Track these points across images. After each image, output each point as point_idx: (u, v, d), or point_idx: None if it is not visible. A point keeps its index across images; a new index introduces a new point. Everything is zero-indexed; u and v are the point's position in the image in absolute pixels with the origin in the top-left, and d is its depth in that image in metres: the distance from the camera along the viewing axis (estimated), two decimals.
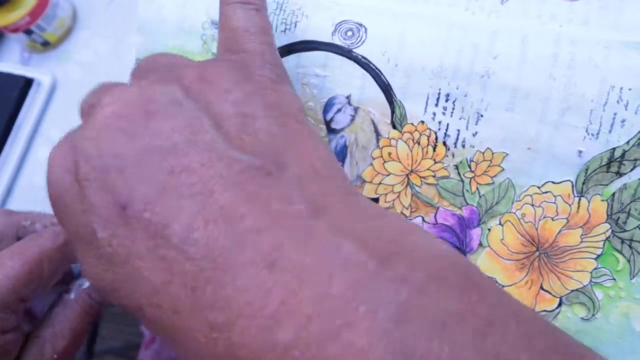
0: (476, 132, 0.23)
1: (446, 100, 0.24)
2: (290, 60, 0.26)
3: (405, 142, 0.24)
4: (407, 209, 0.25)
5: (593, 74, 0.22)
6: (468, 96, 0.23)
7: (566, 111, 0.22)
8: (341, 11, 0.25)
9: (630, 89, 0.22)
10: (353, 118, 0.25)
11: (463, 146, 0.24)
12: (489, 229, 0.23)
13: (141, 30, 0.29)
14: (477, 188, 0.24)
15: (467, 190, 0.24)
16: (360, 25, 0.25)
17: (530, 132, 0.23)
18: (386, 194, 0.25)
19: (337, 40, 0.25)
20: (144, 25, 0.29)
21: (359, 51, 0.25)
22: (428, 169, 0.24)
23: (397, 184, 0.25)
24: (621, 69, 0.22)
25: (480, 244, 0.24)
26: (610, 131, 0.22)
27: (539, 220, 0.23)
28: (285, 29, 0.26)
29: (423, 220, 0.24)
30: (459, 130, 0.24)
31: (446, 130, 0.24)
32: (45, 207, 0.35)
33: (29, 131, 0.37)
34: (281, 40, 0.26)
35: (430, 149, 0.24)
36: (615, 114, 0.22)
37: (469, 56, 0.23)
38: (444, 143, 0.24)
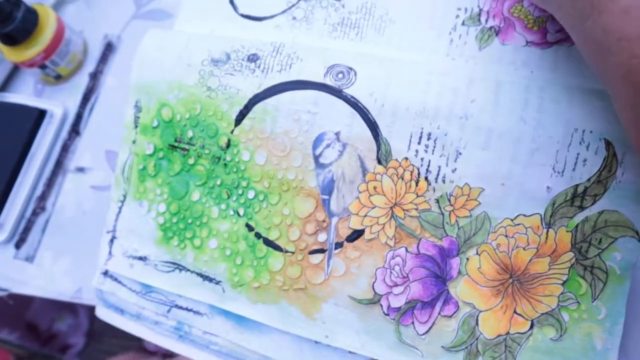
0: (455, 169, 0.25)
1: (428, 139, 0.26)
2: (284, 98, 0.27)
3: (390, 177, 0.26)
4: (391, 239, 0.26)
5: (559, 117, 0.24)
6: (448, 135, 0.25)
7: (535, 151, 0.24)
8: (332, 55, 0.27)
9: (591, 132, 0.24)
10: (341, 153, 0.27)
11: (443, 181, 0.26)
12: (467, 259, 0.25)
13: (140, 62, 0.30)
14: (456, 220, 0.26)
15: (447, 223, 0.26)
16: (350, 68, 0.27)
17: (503, 169, 0.25)
18: (371, 226, 0.27)
19: (329, 81, 0.27)
20: (144, 58, 0.30)
21: (349, 91, 0.26)
22: (411, 202, 0.26)
23: (381, 216, 0.26)
24: (584, 113, 0.24)
25: (460, 272, 0.26)
26: (574, 169, 0.24)
27: (512, 250, 0.25)
28: (281, 69, 0.27)
29: (406, 250, 0.26)
30: (439, 167, 0.26)
31: (428, 166, 0.26)
32: (55, 231, 0.35)
33: (42, 159, 0.38)
34: (276, 79, 0.28)
35: (413, 183, 0.26)
36: (578, 154, 0.24)
37: (449, 99, 0.25)
38: (426, 178, 0.26)
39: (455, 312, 0.25)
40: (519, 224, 0.25)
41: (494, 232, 0.25)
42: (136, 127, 0.31)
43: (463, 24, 0.27)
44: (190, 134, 0.30)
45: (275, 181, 0.28)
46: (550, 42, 0.26)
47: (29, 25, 0.36)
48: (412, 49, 0.27)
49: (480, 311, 0.25)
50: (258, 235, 0.28)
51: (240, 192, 0.29)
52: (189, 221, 0.30)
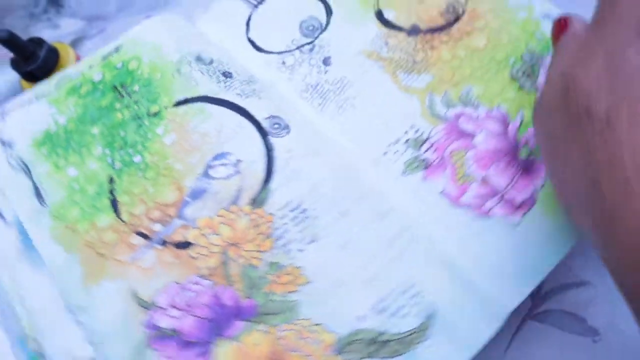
0: (302, 250, 0.26)
1: (300, 212, 0.26)
2: (224, 112, 0.30)
3: (250, 220, 0.27)
4: (207, 269, 0.26)
5: (407, 269, 0.25)
6: (318, 220, 0.26)
7: (373, 280, 0.25)
8: (283, 109, 0.30)
9: (423, 297, 0.24)
10: (228, 177, 0.28)
11: (286, 254, 0.26)
12: (252, 330, 0.24)
13: (146, 26, 0.33)
14: (270, 292, 0.25)
15: (261, 289, 0.25)
16: (288, 126, 0.29)
17: (340, 276, 0.25)
18: (202, 247, 0.26)
19: (265, 124, 0.30)
20: (152, 25, 0.33)
21: (273, 139, 0.29)
22: (247, 251, 0.26)
23: (216, 245, 0.26)
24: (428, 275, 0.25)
25: (235, 337, 0.24)
26: (391, 316, 0.24)
27: (293, 351, 0.24)
28: (240, 94, 0.30)
29: (212, 286, 0.25)
30: (292, 240, 0.26)
31: (283, 232, 0.26)
32: None
33: None
34: (230, 97, 0.30)
35: (263, 238, 0.26)
36: (403, 306, 0.24)
37: (342, 192, 0.27)
38: (275, 241, 0.26)
39: None
40: (314, 332, 0.24)
41: (291, 324, 0.24)
42: (103, 60, 0.33)
43: (406, 141, 0.29)
44: (136, 88, 0.31)
45: (163, 162, 0.29)
46: (460, 203, 0.27)
47: (50, 63, 0.37)
48: (353, 139, 0.29)
49: None
50: (112, 192, 0.28)
51: (130, 151, 0.29)
52: (73, 142, 0.30)
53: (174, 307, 0.25)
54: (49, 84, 0.32)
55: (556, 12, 0.31)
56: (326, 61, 0.32)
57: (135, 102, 0.31)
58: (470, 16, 0.32)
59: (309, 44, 0.33)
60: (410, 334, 0.24)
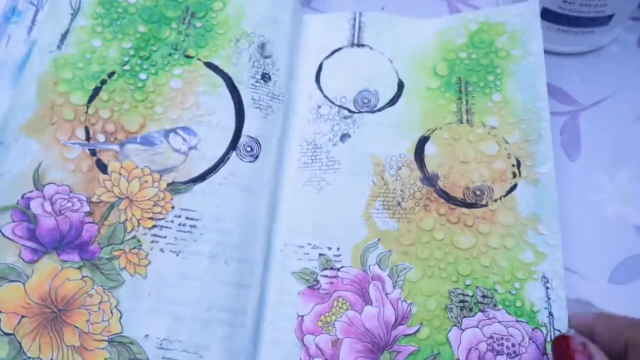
0: (164, 252, 0.28)
1: (187, 219, 0.29)
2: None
3: (157, 194, 0.29)
4: (97, 201, 0.29)
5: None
6: (193, 243, 0.29)
7: (212, 309, 0.27)
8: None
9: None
10: (178, 153, 0.30)
11: (152, 243, 0.28)
12: (69, 262, 0.28)
13: None
14: (113, 256, 0.28)
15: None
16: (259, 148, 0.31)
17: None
18: (111, 180, 0.29)
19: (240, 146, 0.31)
20: None
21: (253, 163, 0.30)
22: (132, 214, 0.29)
23: (117, 190, 0.29)
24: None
25: (61, 258, 0.28)
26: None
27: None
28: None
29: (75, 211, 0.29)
30: (164, 238, 0.28)
31: (165, 227, 0.29)
32: None
33: None
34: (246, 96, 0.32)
35: (149, 215, 0.29)
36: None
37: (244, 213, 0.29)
38: (154, 225, 0.29)
39: None
40: (107, 303, 0.27)
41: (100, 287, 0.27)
42: None
43: (320, 255, 0.30)
44: (199, 24, 0.34)
45: (154, 96, 0.32)
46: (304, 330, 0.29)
47: None
48: (284, 212, 0.31)
49: None
50: (102, 83, 0.31)
51: (145, 66, 0.32)
52: (119, 23, 0.33)
53: (51, 202, 0.28)
54: None
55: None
56: (344, 138, 0.33)
57: (187, 35, 0.33)
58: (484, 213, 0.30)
59: (350, 112, 0.34)
60: None
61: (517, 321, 0.27)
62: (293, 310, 0.28)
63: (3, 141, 0.29)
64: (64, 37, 0.32)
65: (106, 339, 0.26)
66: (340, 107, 0.34)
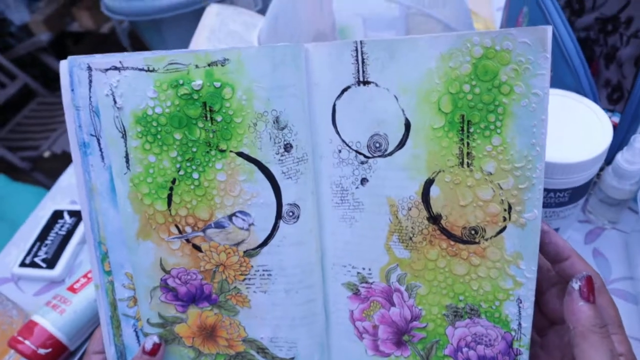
0: (256, 293, 0.44)
1: (269, 275, 0.43)
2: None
3: (238, 260, 0.43)
4: (204, 269, 0.43)
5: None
6: (273, 284, 0.44)
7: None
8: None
9: None
10: (243, 229, 0.42)
11: (247, 288, 0.44)
12: (204, 309, 0.45)
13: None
14: (228, 299, 0.44)
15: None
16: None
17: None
18: (207, 255, 0.43)
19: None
20: None
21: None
22: (227, 273, 0.43)
23: (214, 261, 0.43)
24: None
25: (197, 307, 0.45)
26: None
27: (221, 328, 0.45)
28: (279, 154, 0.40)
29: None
30: (252, 285, 0.44)
31: (251, 277, 0.43)
32: None
33: None
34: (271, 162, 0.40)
35: (240, 273, 0.43)
36: None
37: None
38: (245, 278, 0.44)
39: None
40: (237, 327, 0.45)
41: (229, 318, 0.45)
42: (209, 66, 0.38)
43: (357, 273, 0.43)
44: (219, 118, 0.39)
45: (209, 190, 0.41)
46: (354, 317, 0.45)
47: None
48: (331, 245, 0.43)
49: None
50: (171, 189, 0.41)
51: (194, 167, 0.41)
52: (160, 136, 0.40)
53: (179, 279, 0.44)
54: (162, 60, 0.38)
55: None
56: (363, 182, 0.41)
57: (213, 132, 0.40)
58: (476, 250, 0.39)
59: (365, 157, 0.40)
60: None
61: (494, 326, 0.40)
62: (346, 307, 0.44)
63: (130, 247, 0.43)
64: (127, 159, 0.41)
65: (240, 340, 0.45)
66: (356, 152, 0.40)
